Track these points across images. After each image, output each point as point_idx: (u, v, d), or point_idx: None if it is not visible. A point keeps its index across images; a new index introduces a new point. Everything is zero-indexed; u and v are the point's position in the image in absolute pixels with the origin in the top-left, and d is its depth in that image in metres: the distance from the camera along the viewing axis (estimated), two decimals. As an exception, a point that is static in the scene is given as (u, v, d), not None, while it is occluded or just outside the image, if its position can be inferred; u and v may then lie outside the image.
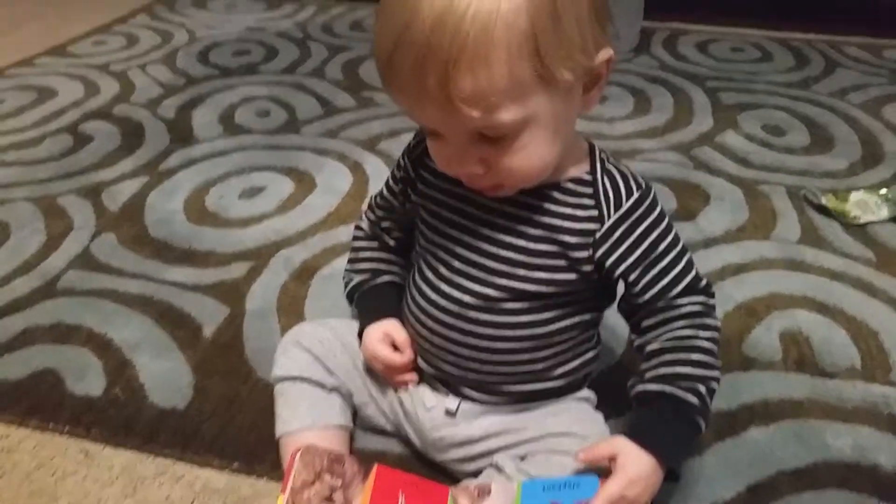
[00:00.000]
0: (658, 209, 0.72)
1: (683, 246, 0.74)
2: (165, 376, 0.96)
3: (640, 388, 0.71)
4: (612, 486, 0.65)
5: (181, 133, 1.59)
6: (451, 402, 0.78)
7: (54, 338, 1.03)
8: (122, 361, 0.98)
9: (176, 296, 1.10)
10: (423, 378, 0.81)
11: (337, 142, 1.54)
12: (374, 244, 0.89)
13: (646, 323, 0.74)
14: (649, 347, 0.73)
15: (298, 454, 0.72)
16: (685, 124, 1.62)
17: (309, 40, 2.12)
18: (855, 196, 1.32)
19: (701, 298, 0.73)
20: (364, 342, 0.82)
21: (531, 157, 0.64)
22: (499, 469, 0.73)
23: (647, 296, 0.72)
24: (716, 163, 1.46)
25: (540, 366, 0.76)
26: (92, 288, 1.12)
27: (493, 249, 0.72)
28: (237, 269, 1.16)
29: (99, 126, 1.62)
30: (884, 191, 1.33)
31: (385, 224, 0.87)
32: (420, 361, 0.80)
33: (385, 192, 0.85)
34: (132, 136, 1.58)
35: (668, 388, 0.69)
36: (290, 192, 1.36)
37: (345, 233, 1.23)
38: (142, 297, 1.10)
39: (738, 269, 1.15)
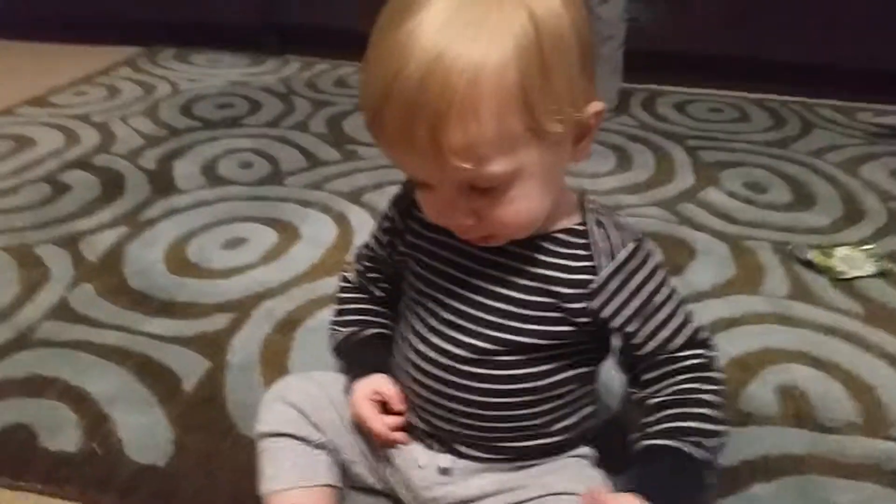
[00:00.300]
0: (653, 260, 0.71)
1: (680, 298, 0.72)
2: (144, 431, 0.91)
3: (646, 443, 0.69)
4: None
5: (162, 184, 1.56)
6: (445, 460, 0.75)
7: (27, 391, 0.98)
8: (99, 415, 0.94)
9: (155, 348, 1.06)
10: (414, 435, 0.78)
11: (321, 194, 1.53)
12: (361, 296, 0.86)
13: (646, 377, 0.72)
14: (651, 401, 0.71)
15: None
16: (667, 181, 1.63)
17: (293, 95, 2.12)
18: (840, 252, 1.33)
19: (702, 351, 0.72)
20: (352, 400, 0.78)
21: (522, 208, 0.63)
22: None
23: (647, 349, 0.71)
24: (699, 218, 1.46)
25: (538, 421, 0.73)
26: (68, 339, 1.08)
27: (485, 300, 0.70)
28: (219, 321, 1.12)
29: (78, 176, 1.59)
30: (868, 246, 1.34)
31: (371, 275, 0.85)
32: (411, 417, 0.77)
33: (372, 242, 0.83)
34: (112, 185, 1.55)
35: (674, 443, 0.67)
36: (273, 244, 1.34)
37: (330, 284, 1.21)
38: (120, 349, 1.06)
39: (730, 323, 1.14)
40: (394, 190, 0.80)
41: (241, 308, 1.15)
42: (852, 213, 1.51)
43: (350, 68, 2.35)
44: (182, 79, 2.25)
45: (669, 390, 0.70)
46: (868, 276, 1.27)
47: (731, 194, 1.57)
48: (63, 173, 1.60)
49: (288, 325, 1.11)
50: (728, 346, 1.08)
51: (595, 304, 0.69)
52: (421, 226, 0.75)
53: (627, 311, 0.69)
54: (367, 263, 0.85)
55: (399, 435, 0.77)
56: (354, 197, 1.51)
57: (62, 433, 0.91)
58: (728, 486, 0.85)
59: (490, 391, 0.71)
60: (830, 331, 1.13)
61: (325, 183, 1.58)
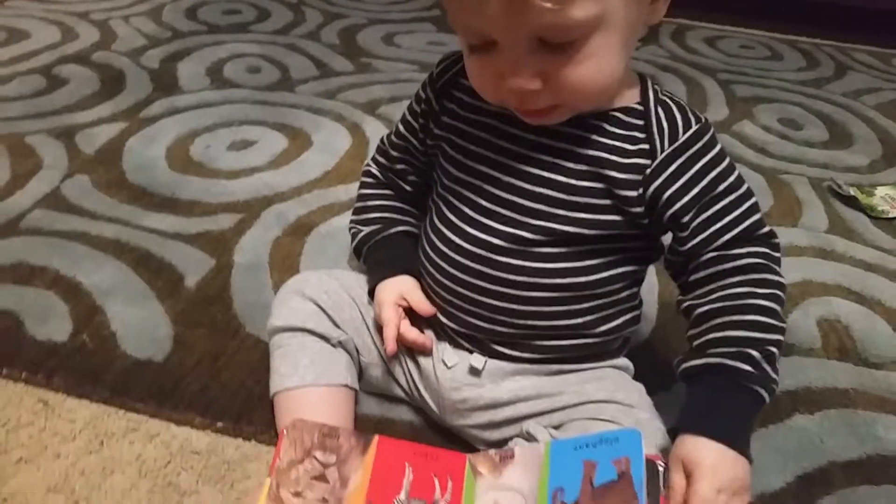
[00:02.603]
0: (718, 146, 0.64)
1: (748, 189, 0.64)
2: (141, 325, 0.85)
3: (686, 365, 0.62)
4: (701, 486, 0.55)
5: (165, 83, 1.47)
6: (477, 359, 0.68)
7: (15, 278, 0.91)
8: (92, 307, 0.87)
9: (155, 243, 0.99)
10: (443, 334, 0.71)
11: (334, 103, 1.43)
12: (386, 192, 0.79)
13: (694, 277, 0.64)
14: (698, 310, 0.64)
15: (286, 430, 0.63)
16: (700, 111, 1.53)
17: (303, 5, 2.01)
18: (881, 191, 1.26)
19: (761, 249, 0.64)
20: (376, 300, 0.72)
21: (597, 69, 0.56)
22: (529, 438, 0.64)
23: (697, 239, 0.63)
24: (735, 149, 1.39)
25: (579, 320, 0.66)
26: (61, 229, 1.00)
27: (529, 186, 0.64)
28: (224, 221, 1.05)
29: (75, 70, 1.49)
30: (910, 187, 1.27)
31: (400, 167, 0.77)
32: (439, 316, 0.70)
33: (402, 128, 0.76)
34: (112, 82, 1.45)
35: (714, 360, 0.60)
36: (283, 148, 1.25)
37: (344, 192, 1.13)
38: (117, 242, 0.98)
39: (767, 253, 1.07)
40: (410, 104, 0.73)
41: (249, 209, 1.08)
42: (891, 155, 1.43)
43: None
44: (187, -17, 2.12)
45: (717, 295, 0.63)
46: (910, 217, 1.21)
47: (767, 129, 1.49)
48: (59, 67, 1.50)
49: (300, 229, 1.04)
50: (767, 276, 1.01)
51: (650, 190, 0.62)
52: (459, 106, 0.68)
53: (684, 198, 0.62)
54: (395, 153, 0.77)
55: (424, 338, 0.70)
56: (370, 108, 1.42)
57: (51, 322, 0.84)
58: (770, 416, 0.79)
59: (529, 285, 0.64)
60: (872, 267, 1.06)
61: (339, 93, 1.48)
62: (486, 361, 0.68)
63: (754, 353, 0.60)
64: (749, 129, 1.48)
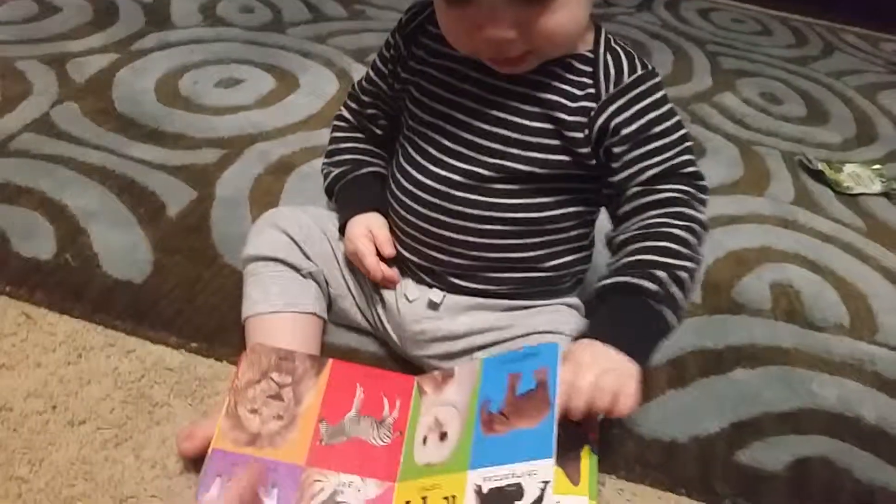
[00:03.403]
0: (661, 92, 0.67)
1: (683, 136, 0.68)
2: (122, 248, 0.88)
3: (597, 285, 0.66)
4: (564, 373, 0.58)
5: (158, 17, 1.48)
6: (436, 293, 0.73)
7: (2, 198, 0.94)
8: (76, 228, 0.90)
9: (140, 172, 1.02)
10: (406, 269, 0.76)
11: (324, 47, 1.45)
12: (357, 135, 0.83)
13: (621, 211, 0.68)
14: (617, 240, 0.68)
15: (244, 354, 0.67)
16: (684, 81, 1.58)
17: (300, -51, 2.00)
18: (849, 168, 1.30)
19: (683, 186, 0.66)
20: (346, 235, 0.76)
21: (568, 18, 0.60)
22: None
23: (626, 173, 0.66)
24: (713, 120, 1.42)
25: (530, 254, 0.71)
26: (48, 153, 1.03)
27: (486, 127, 0.68)
28: (208, 155, 1.08)
29: (68, -2, 1.50)
30: (877, 167, 1.32)
31: (370, 111, 0.80)
32: (403, 251, 0.75)
33: (372, 74, 0.79)
34: (104, 13, 1.46)
35: (622, 279, 0.63)
36: (270, 89, 1.28)
37: (327, 136, 1.13)
38: (102, 169, 1.01)
39: (732, 219, 1.11)
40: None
41: (233, 145, 1.10)
42: (864, 135, 1.47)
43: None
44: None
45: (636, 226, 0.66)
46: (873, 195, 1.25)
47: (747, 101, 1.52)
48: (52, -6, 1.51)
49: (281, 168, 1.07)
50: (728, 240, 1.06)
51: (594, 129, 0.66)
52: (426, 52, 0.72)
53: (619, 133, 0.65)
54: (366, 98, 0.80)
55: (392, 272, 0.74)
56: (359, 55, 1.44)
57: (36, 240, 0.88)
58: (712, 368, 0.84)
59: (484, 219, 0.69)
60: (830, 239, 1.11)
61: (329, 38, 1.50)
62: (444, 296, 0.72)
63: (661, 273, 0.63)
64: (730, 100, 1.51)
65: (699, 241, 0.66)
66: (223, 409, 0.64)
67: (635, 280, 0.62)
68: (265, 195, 1.01)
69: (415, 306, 0.73)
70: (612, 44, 0.68)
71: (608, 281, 0.64)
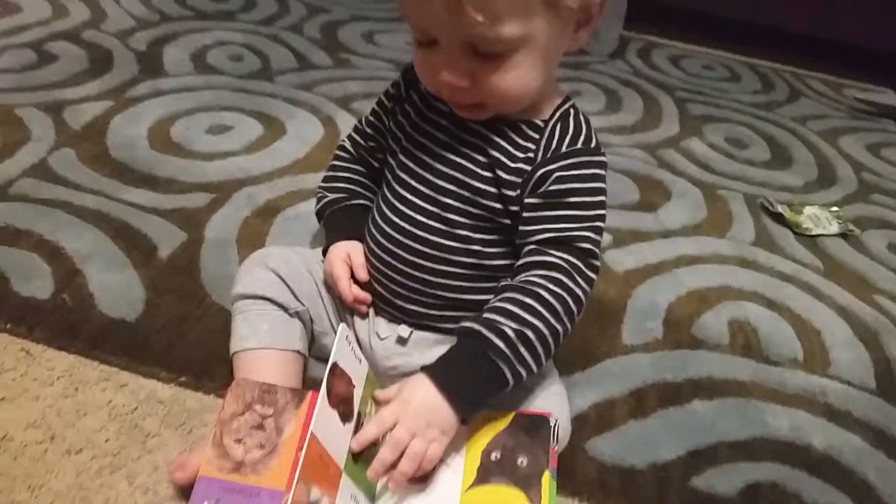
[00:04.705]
0: (592, 170, 0.71)
1: (598, 215, 0.71)
2: (116, 288, 0.93)
3: (458, 325, 0.68)
4: (384, 410, 0.64)
5: (151, 65, 1.55)
6: (404, 329, 0.78)
7: (1, 240, 0.99)
8: (72, 270, 0.95)
9: (133, 216, 1.07)
10: (379, 308, 0.81)
11: (310, 95, 1.52)
12: (356, 167, 0.87)
13: (517, 263, 0.72)
14: (499, 286, 0.71)
15: (230, 388, 0.72)
16: (653, 127, 1.66)
17: (289, -2, 2.09)
18: (809, 210, 1.37)
19: (573, 258, 0.69)
20: (327, 258, 0.82)
21: (518, 80, 0.66)
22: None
23: (529, 228, 0.70)
24: (679, 164, 1.49)
25: (486, 297, 0.73)
26: (46, 197, 1.08)
27: (445, 170, 0.74)
28: (198, 199, 1.13)
29: (65, 47, 1.56)
30: (835, 209, 1.39)
31: (371, 144, 0.85)
32: (375, 285, 0.80)
33: (377, 108, 0.84)
34: (100, 61, 1.53)
35: (475, 326, 0.66)
36: (258, 135, 1.34)
37: (312, 180, 1.22)
38: (98, 213, 1.06)
39: (693, 259, 1.18)
40: (384, 102, 0.82)
41: (222, 190, 1.16)
42: (825, 178, 1.55)
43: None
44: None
45: (518, 278, 0.69)
46: (831, 235, 1.32)
47: (713, 146, 1.60)
48: (49, 43, 1.57)
49: (267, 212, 1.13)
50: (689, 279, 1.12)
51: (525, 190, 0.71)
52: (419, 98, 0.78)
53: (537, 191, 0.70)
54: (369, 131, 0.85)
55: (363, 294, 0.80)
56: (344, 102, 1.51)
57: (34, 281, 0.92)
58: (671, 399, 0.90)
59: (445, 259, 0.74)
60: (788, 278, 1.17)
61: (315, 86, 1.57)
62: (411, 332, 0.78)
63: (510, 330, 0.65)
64: (696, 145, 1.59)
65: (566, 311, 0.68)
66: (210, 439, 0.68)
67: (484, 331, 0.65)
68: (252, 237, 1.06)
69: (385, 343, 0.79)
70: (569, 118, 0.73)
71: (465, 324, 0.67)
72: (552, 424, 0.66)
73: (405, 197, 0.76)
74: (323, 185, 0.88)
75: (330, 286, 0.82)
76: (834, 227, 1.34)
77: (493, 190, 0.72)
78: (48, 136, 1.24)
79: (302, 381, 0.81)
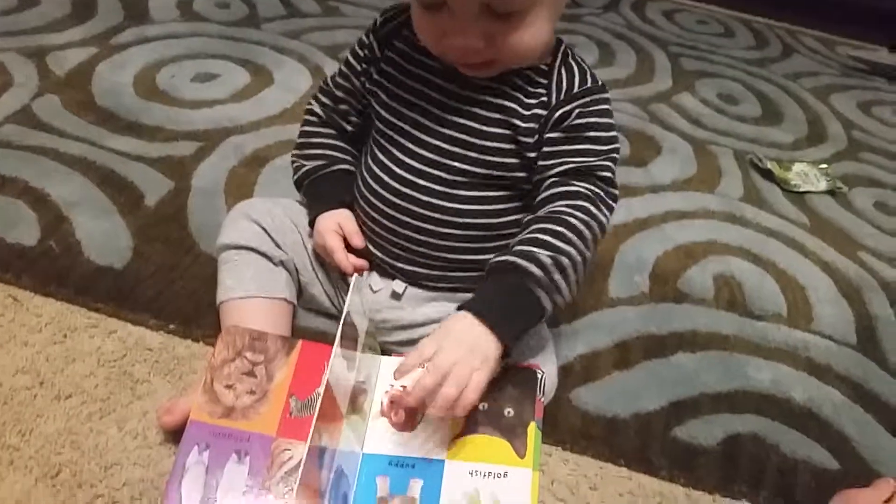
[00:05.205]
0: (603, 105, 0.72)
1: (614, 148, 0.73)
2: (103, 236, 0.93)
3: (490, 262, 0.68)
4: (426, 340, 0.63)
5: (135, 11, 1.51)
6: (398, 285, 0.78)
7: (-15, 186, 0.98)
8: (59, 216, 0.95)
9: (119, 163, 1.06)
10: (372, 262, 0.81)
11: (298, 43, 1.50)
12: (328, 130, 0.85)
13: (538, 198, 0.72)
14: (525, 220, 0.72)
15: (220, 334, 0.72)
16: (645, 81, 1.64)
17: (277, -56, 2.04)
18: (798, 167, 1.37)
19: (594, 187, 0.71)
20: (316, 230, 0.80)
21: (533, 36, 0.65)
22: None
23: (549, 161, 0.71)
24: (670, 119, 1.49)
25: (489, 256, 0.74)
26: (31, 144, 1.07)
27: (449, 132, 0.73)
28: (185, 148, 1.12)
29: (47, -9, 1.53)
30: (824, 166, 1.39)
31: (342, 107, 0.83)
32: (369, 245, 0.80)
33: (345, 69, 0.81)
34: (83, 6, 1.49)
35: (509, 258, 0.66)
36: (245, 84, 1.32)
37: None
38: (83, 160, 1.05)
39: (681, 215, 1.18)
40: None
41: (208, 138, 1.15)
42: (815, 135, 1.55)
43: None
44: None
45: (543, 210, 0.70)
46: (819, 192, 1.33)
47: (705, 101, 1.59)
48: (31, -14, 1.53)
49: (255, 161, 1.12)
50: (677, 234, 1.13)
51: (544, 134, 0.71)
52: (398, 56, 0.76)
53: (558, 127, 0.71)
54: (339, 94, 0.82)
55: (361, 261, 0.79)
56: (332, 52, 1.49)
57: (20, 228, 0.92)
58: (655, 351, 0.91)
59: (445, 222, 0.74)
60: (774, 234, 1.18)
61: (303, 34, 1.55)
62: (406, 287, 0.78)
63: (546, 258, 0.66)
64: (687, 100, 1.58)
65: (593, 238, 0.69)
66: (200, 384, 0.69)
67: (520, 261, 0.65)
68: (240, 187, 1.06)
69: (378, 296, 0.79)
70: (570, 59, 0.73)
71: (497, 258, 0.67)
72: (539, 377, 0.67)
73: (403, 161, 0.75)
74: (297, 153, 0.85)
75: (322, 257, 0.81)
76: (822, 185, 1.34)
77: (506, 146, 0.72)
78: (31, 82, 1.22)
79: (290, 329, 0.81)
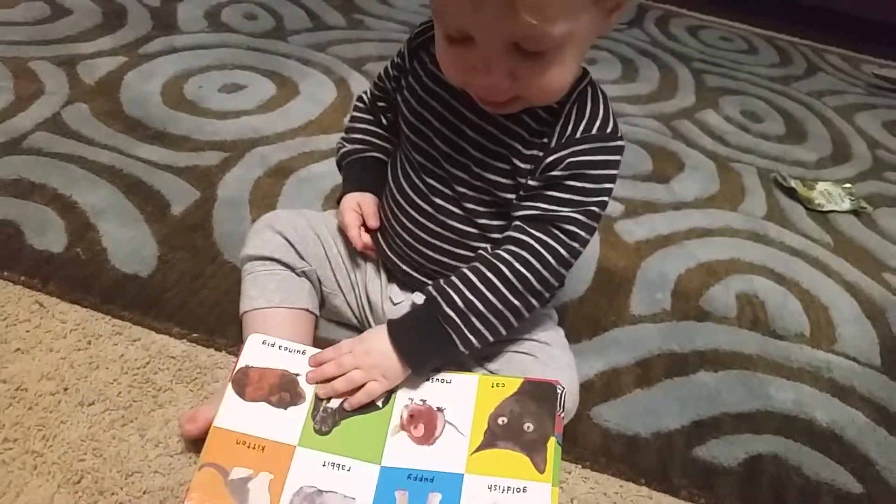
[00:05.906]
0: (599, 157, 0.69)
1: (597, 203, 0.69)
2: (129, 244, 0.94)
3: (426, 288, 0.71)
4: (346, 342, 0.71)
5: (164, 21, 1.54)
6: (419, 297, 0.78)
7: (16, 193, 0.99)
8: (86, 224, 0.96)
9: (146, 172, 1.07)
10: (392, 276, 0.82)
11: (323, 56, 1.51)
12: (371, 118, 0.87)
13: (504, 234, 0.72)
14: (476, 253, 0.73)
15: (242, 345, 0.73)
16: (668, 97, 1.64)
17: (304, -43, 2.06)
18: (821, 186, 1.36)
19: (549, 239, 0.69)
20: (340, 207, 0.82)
21: (562, 75, 0.63)
22: (459, 366, 0.74)
23: (523, 203, 0.70)
24: (693, 136, 1.48)
25: None
26: (60, 152, 1.09)
27: (459, 158, 0.73)
28: (211, 157, 1.13)
29: (79, 1, 1.55)
30: (848, 185, 1.38)
31: (381, 103, 0.84)
32: (391, 255, 0.81)
33: (383, 73, 0.83)
34: (114, 16, 1.52)
35: (434, 293, 0.69)
36: (271, 95, 1.33)
37: (325, 141, 1.22)
38: (111, 168, 1.07)
39: (705, 232, 1.18)
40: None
41: (235, 149, 1.16)
42: (839, 154, 1.54)
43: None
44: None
45: (491, 251, 0.71)
46: (843, 212, 1.31)
47: (728, 119, 1.59)
48: (63, -4, 1.56)
49: (280, 172, 1.13)
50: (700, 252, 1.12)
51: (536, 175, 0.70)
52: (423, 71, 0.76)
53: (545, 174, 0.69)
54: (378, 93, 0.84)
55: (370, 242, 0.80)
56: (357, 64, 1.50)
57: (48, 234, 0.93)
58: (677, 370, 0.90)
59: (461, 243, 0.75)
60: (798, 253, 1.17)
61: (329, 46, 1.56)
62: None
63: (460, 300, 0.68)
64: (711, 117, 1.57)
65: (529, 290, 0.69)
66: (222, 394, 0.69)
67: (438, 297, 0.69)
68: (264, 197, 1.07)
69: (398, 308, 0.79)
70: (587, 98, 0.70)
71: (430, 286, 0.71)
72: (559, 392, 0.67)
73: (421, 179, 0.75)
74: (344, 135, 0.88)
75: (343, 234, 0.83)
76: (846, 204, 1.33)
77: (507, 182, 0.71)
78: (62, 90, 1.23)
79: (312, 339, 0.82)
